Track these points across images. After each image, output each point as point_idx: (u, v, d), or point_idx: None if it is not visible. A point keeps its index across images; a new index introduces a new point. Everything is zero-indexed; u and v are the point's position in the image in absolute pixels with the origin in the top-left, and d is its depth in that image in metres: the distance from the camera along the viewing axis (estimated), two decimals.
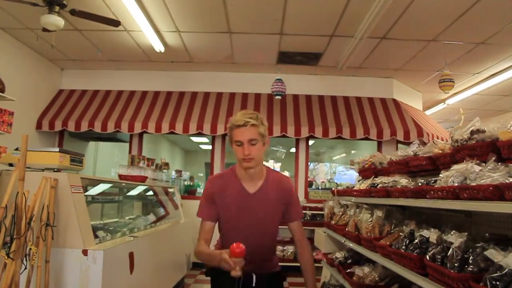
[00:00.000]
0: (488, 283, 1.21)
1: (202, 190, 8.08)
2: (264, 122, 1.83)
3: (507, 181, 1.25)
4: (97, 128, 5.72)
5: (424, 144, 2.35)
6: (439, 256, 1.55)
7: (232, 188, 1.87)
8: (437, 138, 5.69)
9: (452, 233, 1.55)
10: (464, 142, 1.66)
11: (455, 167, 1.60)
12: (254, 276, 1.86)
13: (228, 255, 1.56)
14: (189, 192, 7.28)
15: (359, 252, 2.64)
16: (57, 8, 3.46)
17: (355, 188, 3.05)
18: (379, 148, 6.03)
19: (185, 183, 9.16)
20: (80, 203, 2.46)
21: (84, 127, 5.72)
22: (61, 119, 5.75)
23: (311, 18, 4.34)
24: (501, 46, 4.88)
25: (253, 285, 1.86)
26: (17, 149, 2.58)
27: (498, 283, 1.18)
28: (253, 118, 1.77)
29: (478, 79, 6.20)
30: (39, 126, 5.70)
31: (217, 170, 6.15)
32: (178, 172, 8.85)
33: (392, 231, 2.30)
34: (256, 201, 1.87)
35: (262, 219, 1.88)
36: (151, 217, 4.18)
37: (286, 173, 9.05)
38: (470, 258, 1.38)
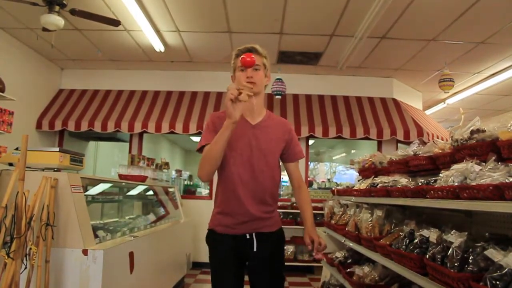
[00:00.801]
0: (488, 282, 1.21)
1: (199, 191, 8.09)
2: (267, 56, 1.90)
3: (507, 180, 1.25)
4: (97, 128, 5.72)
5: (424, 143, 2.34)
6: (439, 256, 1.55)
7: None
8: (437, 138, 5.69)
9: (452, 232, 1.55)
10: (464, 142, 1.66)
11: (455, 166, 1.60)
12: (255, 240, 1.82)
13: (240, 64, 1.78)
14: (188, 192, 7.27)
15: (359, 252, 2.64)
16: (57, 8, 3.46)
17: (355, 188, 3.05)
18: (379, 148, 6.04)
19: (185, 182, 9.15)
20: (80, 202, 2.46)
21: (84, 127, 5.72)
22: (61, 118, 5.75)
23: (311, 18, 4.34)
24: (501, 46, 4.88)
25: (254, 250, 1.82)
26: (17, 148, 2.58)
27: (498, 282, 1.18)
28: (255, 47, 1.85)
29: (478, 79, 6.20)
30: (39, 125, 5.70)
31: None
32: (178, 171, 8.84)
33: (392, 230, 2.30)
34: (258, 132, 1.88)
35: (264, 150, 1.86)
36: (151, 217, 4.18)
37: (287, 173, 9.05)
38: (470, 258, 1.38)
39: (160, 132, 5.79)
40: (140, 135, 6.21)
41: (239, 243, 1.83)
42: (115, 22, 3.80)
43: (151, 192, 4.66)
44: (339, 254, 3.18)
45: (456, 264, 1.41)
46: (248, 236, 1.83)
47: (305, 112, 5.96)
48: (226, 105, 1.61)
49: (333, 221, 3.41)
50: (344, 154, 9.88)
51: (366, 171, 3.17)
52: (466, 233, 1.50)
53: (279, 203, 4.54)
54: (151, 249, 3.36)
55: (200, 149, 1.83)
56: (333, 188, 3.90)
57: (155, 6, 4.15)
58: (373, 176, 2.85)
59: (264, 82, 1.88)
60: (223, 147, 1.69)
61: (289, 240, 5.54)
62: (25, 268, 2.13)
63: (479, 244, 1.41)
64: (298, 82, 6.20)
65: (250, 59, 1.75)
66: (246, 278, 1.89)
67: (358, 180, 3.25)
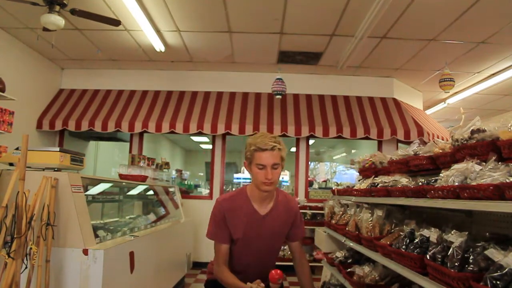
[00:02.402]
0: (488, 282, 1.21)
1: (200, 190, 8.06)
2: (284, 146, 1.86)
3: (507, 180, 1.25)
4: (98, 128, 5.72)
5: (424, 143, 2.34)
6: (439, 256, 1.55)
7: (243, 209, 1.91)
8: (438, 138, 5.68)
9: (452, 232, 1.55)
10: (465, 142, 1.66)
11: (456, 166, 1.60)
12: None
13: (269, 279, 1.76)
14: (183, 192, 7.22)
15: (359, 252, 2.64)
16: (57, 8, 3.46)
17: (355, 188, 3.04)
18: (380, 148, 6.04)
19: (178, 181, 9.03)
20: (80, 202, 2.46)
21: (84, 127, 5.72)
22: (61, 118, 5.75)
23: (311, 18, 4.34)
24: (501, 46, 4.87)
25: None
26: (17, 148, 2.58)
27: (498, 282, 1.18)
28: (277, 143, 1.80)
29: (479, 79, 6.19)
30: (39, 125, 5.70)
31: (217, 169, 6.15)
32: (179, 171, 8.83)
33: (392, 230, 2.30)
34: (266, 223, 1.92)
35: (270, 239, 1.95)
36: (152, 217, 4.19)
37: (287, 173, 9.06)
38: (471, 258, 1.38)
39: (161, 132, 5.79)
40: (141, 134, 6.22)
41: None
42: (116, 22, 3.80)
43: (151, 192, 4.67)
44: (339, 254, 3.18)
45: (456, 264, 1.41)
46: None
47: (305, 112, 5.96)
48: None
49: (333, 221, 3.41)
50: (344, 154, 9.88)
51: (366, 171, 3.17)
52: (467, 233, 1.49)
53: None
54: (151, 249, 3.36)
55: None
56: (333, 188, 3.90)
57: (155, 5, 4.15)
58: (373, 176, 2.85)
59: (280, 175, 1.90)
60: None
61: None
62: (26, 267, 2.13)
63: (479, 244, 1.41)
64: (299, 82, 6.20)
65: (278, 277, 1.75)
66: None
67: (359, 180, 3.25)
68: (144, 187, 4.36)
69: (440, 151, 1.95)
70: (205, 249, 5.57)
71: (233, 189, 9.03)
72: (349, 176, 8.59)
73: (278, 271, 1.74)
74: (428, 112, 7.97)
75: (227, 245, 1.91)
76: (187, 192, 6.62)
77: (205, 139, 9.54)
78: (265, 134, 1.85)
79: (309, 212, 5.66)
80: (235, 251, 1.94)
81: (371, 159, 3.12)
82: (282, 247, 5.40)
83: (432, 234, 1.70)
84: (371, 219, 2.55)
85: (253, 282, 1.86)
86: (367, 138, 5.73)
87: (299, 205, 5.69)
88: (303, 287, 2.07)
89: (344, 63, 5.49)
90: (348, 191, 3.25)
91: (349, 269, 2.76)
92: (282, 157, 1.83)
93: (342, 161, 10.07)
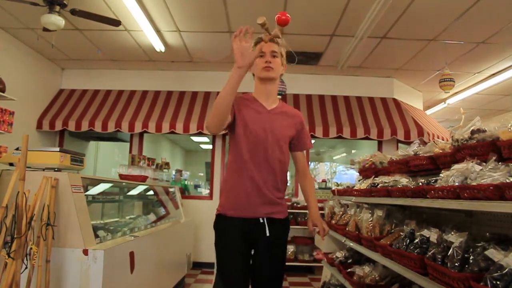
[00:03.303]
0: (488, 282, 1.21)
1: (200, 190, 7.97)
2: (284, 43, 1.99)
3: (507, 180, 1.25)
4: (98, 128, 5.72)
5: (424, 143, 2.34)
6: (439, 256, 1.55)
7: (250, 103, 1.97)
8: (438, 138, 5.69)
9: (452, 232, 1.55)
10: (465, 142, 1.66)
11: (456, 166, 1.60)
12: (267, 225, 1.86)
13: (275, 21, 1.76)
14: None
15: (359, 252, 2.64)
16: (57, 8, 3.46)
17: (355, 188, 3.05)
18: (380, 148, 6.03)
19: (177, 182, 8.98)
20: (80, 202, 2.46)
21: (84, 127, 5.72)
22: (61, 118, 5.75)
23: (311, 18, 4.34)
24: (501, 46, 4.87)
25: (267, 234, 1.85)
26: (17, 148, 2.58)
27: (498, 282, 1.18)
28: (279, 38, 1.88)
29: (479, 79, 6.19)
30: (39, 125, 5.70)
31: (217, 169, 6.15)
32: (179, 171, 8.84)
33: (392, 230, 2.31)
34: (273, 117, 1.94)
35: (277, 134, 1.92)
36: (152, 217, 4.18)
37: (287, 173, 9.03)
38: (471, 258, 1.38)
39: (161, 132, 5.79)
40: (141, 135, 6.22)
41: (250, 226, 1.85)
42: (116, 22, 3.81)
43: (151, 192, 4.66)
44: (340, 254, 3.18)
45: (456, 264, 1.41)
46: (261, 220, 1.86)
47: (305, 112, 5.96)
48: (234, 50, 1.69)
49: (333, 221, 3.41)
50: (344, 154, 9.88)
51: (366, 171, 3.17)
52: (467, 233, 1.50)
53: None
54: (151, 249, 3.36)
55: None
56: (333, 188, 3.90)
57: (155, 6, 4.16)
58: (373, 176, 2.86)
59: (281, 71, 1.96)
60: (231, 96, 1.74)
61: (290, 240, 5.54)
62: (26, 268, 2.13)
63: (479, 244, 1.41)
64: (299, 82, 6.20)
65: (285, 17, 1.75)
66: None
67: (359, 180, 3.25)
68: (144, 187, 4.36)
69: (440, 151, 1.95)
70: (205, 249, 5.56)
71: None
72: (349, 176, 8.59)
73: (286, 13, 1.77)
74: (428, 112, 7.97)
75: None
76: (182, 193, 6.61)
77: (205, 139, 9.53)
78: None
79: None
80: (241, 147, 1.87)
81: (371, 159, 3.12)
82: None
83: (432, 234, 1.70)
84: (371, 219, 2.55)
85: (264, 190, 1.84)
86: (367, 138, 5.73)
87: (299, 205, 5.70)
88: (307, 199, 2.10)
89: (344, 63, 5.49)
90: (348, 191, 3.25)
91: (349, 269, 2.76)
92: (281, 53, 1.95)
93: (342, 161, 10.06)
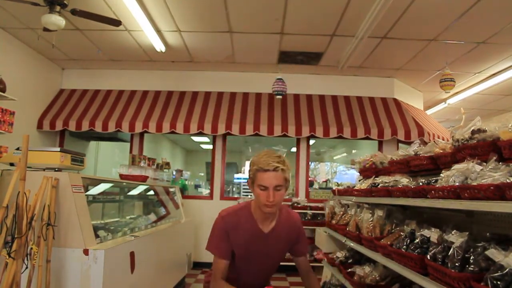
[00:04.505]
0: (489, 282, 1.20)
1: (200, 190, 7.95)
2: (289, 166, 1.79)
3: (508, 180, 1.25)
4: (98, 128, 5.73)
5: (425, 143, 2.34)
6: (440, 256, 1.55)
7: (247, 227, 1.88)
8: (438, 138, 5.69)
9: (453, 232, 1.55)
10: (465, 142, 1.66)
11: (456, 166, 1.60)
12: None
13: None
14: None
15: (360, 252, 2.64)
16: (58, 8, 3.46)
17: (356, 188, 3.04)
18: (380, 148, 6.03)
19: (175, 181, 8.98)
20: (81, 202, 2.46)
21: (85, 127, 5.73)
22: (62, 118, 5.76)
23: (312, 18, 4.34)
24: (501, 46, 4.87)
25: None
26: (18, 148, 2.58)
27: (499, 282, 1.18)
28: (281, 163, 1.72)
29: (479, 79, 6.19)
30: (40, 125, 5.71)
31: (218, 169, 6.15)
32: (179, 171, 8.84)
33: (393, 230, 2.30)
34: (269, 240, 1.91)
35: (272, 256, 1.95)
36: (152, 217, 4.19)
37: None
38: (471, 258, 1.38)
39: (161, 132, 5.79)
40: (141, 135, 6.22)
41: None
42: (116, 22, 3.81)
43: (152, 192, 4.67)
44: (340, 254, 3.18)
45: (457, 264, 1.41)
46: None
47: (306, 112, 5.96)
48: None
49: (334, 221, 3.41)
50: (345, 154, 9.88)
51: (367, 171, 3.17)
52: (467, 233, 1.49)
53: None
54: (152, 249, 3.36)
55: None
56: (334, 188, 3.90)
57: (156, 6, 4.16)
58: (374, 176, 2.85)
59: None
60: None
61: None
62: (26, 267, 2.13)
63: (480, 244, 1.41)
64: (299, 82, 6.20)
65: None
66: None
67: (359, 180, 3.25)
68: (145, 187, 4.36)
69: (441, 151, 1.95)
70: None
71: (233, 192, 8.96)
72: (349, 176, 8.59)
73: None
74: (429, 112, 7.97)
75: (227, 261, 1.86)
76: (181, 192, 6.61)
77: (205, 139, 9.54)
78: (269, 154, 1.76)
79: (309, 212, 5.66)
80: (235, 265, 1.92)
81: (371, 159, 3.12)
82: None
83: (432, 234, 1.70)
84: (371, 219, 2.55)
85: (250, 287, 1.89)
86: (367, 138, 5.73)
87: (299, 205, 5.70)
88: None
89: (344, 63, 5.49)
90: (348, 191, 3.24)
91: (349, 269, 2.76)
92: (286, 179, 1.76)
93: (342, 161, 10.07)
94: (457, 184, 1.52)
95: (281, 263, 2.13)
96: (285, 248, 2.00)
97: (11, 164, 2.69)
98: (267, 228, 1.90)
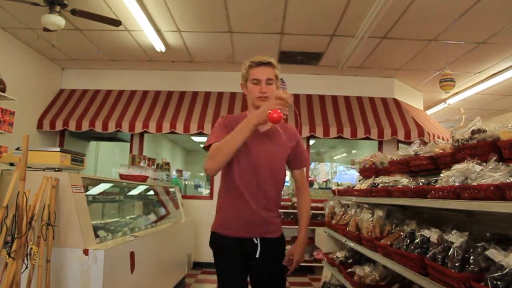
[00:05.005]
0: (489, 282, 1.20)
1: (200, 190, 7.90)
2: (278, 65, 1.91)
3: (508, 180, 1.25)
4: (98, 128, 5.73)
5: (425, 143, 2.34)
6: (440, 256, 1.55)
7: None
8: (438, 138, 5.68)
9: (453, 232, 1.55)
10: (465, 142, 1.66)
11: (456, 166, 1.60)
12: (259, 246, 1.85)
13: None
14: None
15: (360, 252, 2.64)
16: (58, 8, 3.46)
17: (355, 188, 3.04)
18: (380, 148, 6.03)
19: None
20: (81, 202, 2.46)
21: (85, 127, 5.73)
22: (62, 118, 5.75)
23: (312, 18, 4.34)
24: (502, 46, 4.87)
25: (257, 256, 1.85)
26: (18, 148, 2.58)
27: (499, 282, 1.18)
28: (271, 59, 1.85)
29: (479, 79, 6.19)
30: (40, 125, 5.71)
31: None
32: (179, 171, 8.85)
33: (393, 230, 2.30)
34: (267, 139, 1.90)
35: (272, 157, 1.89)
36: (152, 217, 4.18)
37: (287, 173, 9.03)
38: (471, 258, 1.38)
39: (161, 132, 5.79)
40: (141, 135, 6.22)
41: (245, 246, 1.86)
42: (116, 22, 3.81)
43: (152, 192, 4.67)
44: (340, 254, 3.18)
45: (457, 264, 1.41)
46: (256, 241, 1.86)
47: (306, 112, 5.96)
48: (264, 106, 1.67)
49: (334, 221, 3.41)
50: (345, 154, 9.88)
51: (367, 171, 3.17)
52: (467, 233, 1.49)
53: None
54: (152, 249, 3.36)
55: (208, 146, 1.81)
56: (333, 188, 3.90)
57: (156, 6, 4.16)
58: (374, 176, 2.85)
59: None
60: (240, 145, 1.71)
61: (290, 240, 5.54)
62: (26, 268, 2.13)
63: (480, 244, 1.41)
64: (299, 82, 6.20)
65: (277, 115, 1.64)
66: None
67: (359, 180, 3.25)
68: (145, 187, 4.36)
69: (441, 151, 1.95)
70: (206, 249, 5.52)
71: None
72: (349, 176, 8.59)
73: (277, 110, 1.65)
74: (429, 112, 7.97)
75: None
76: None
77: (205, 139, 9.52)
78: (260, 55, 1.89)
79: (309, 213, 5.64)
80: (234, 173, 1.85)
81: (371, 159, 3.12)
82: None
83: (432, 234, 1.70)
84: (371, 219, 2.55)
85: (257, 210, 1.82)
86: (367, 138, 5.73)
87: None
88: (299, 219, 2.05)
89: (344, 63, 5.49)
90: (348, 191, 3.24)
91: (349, 269, 2.76)
92: (276, 75, 1.89)
93: (342, 161, 10.07)
94: (457, 184, 1.52)
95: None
96: (284, 151, 1.94)
97: (11, 164, 2.69)
98: (263, 127, 1.91)
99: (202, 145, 11.36)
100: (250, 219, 1.85)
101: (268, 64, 1.85)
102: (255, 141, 1.85)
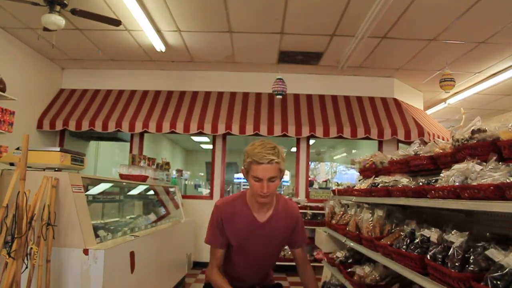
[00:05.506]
0: (489, 282, 1.20)
1: (200, 190, 7.91)
2: (283, 156, 1.77)
3: (508, 180, 1.25)
4: (98, 128, 5.73)
5: (425, 143, 2.34)
6: (440, 256, 1.55)
7: (242, 216, 1.86)
8: (438, 138, 5.68)
9: (453, 232, 1.55)
10: (465, 142, 1.65)
11: (456, 166, 1.60)
12: None
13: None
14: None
15: (359, 252, 2.64)
16: (58, 8, 3.46)
17: (355, 188, 3.04)
18: (380, 148, 6.03)
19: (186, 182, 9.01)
20: (81, 202, 2.46)
21: (85, 127, 5.73)
22: (62, 118, 5.76)
23: (312, 18, 4.34)
24: (502, 46, 4.87)
25: None
26: (18, 148, 2.58)
27: (499, 282, 1.18)
28: (275, 155, 1.70)
29: (479, 79, 6.19)
30: (40, 125, 5.71)
31: (218, 169, 6.16)
32: (179, 171, 8.85)
33: (393, 230, 2.30)
34: (265, 230, 1.88)
35: (268, 246, 1.92)
36: (152, 217, 4.19)
37: (287, 173, 9.04)
38: (471, 258, 1.38)
39: (161, 132, 5.79)
40: (141, 134, 6.22)
41: None
42: (116, 22, 3.81)
43: (151, 192, 4.67)
44: (340, 254, 3.18)
45: (457, 264, 1.41)
46: None
47: (306, 112, 5.96)
48: None
49: (334, 221, 3.41)
50: (345, 154, 9.88)
51: (367, 171, 3.17)
52: (467, 233, 1.49)
53: None
54: (152, 249, 3.36)
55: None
56: (333, 188, 3.90)
57: (155, 5, 4.16)
58: (374, 176, 2.85)
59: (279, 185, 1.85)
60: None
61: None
62: (26, 267, 2.13)
63: (480, 244, 1.40)
64: (299, 82, 6.20)
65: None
66: None
67: (359, 180, 3.25)
68: (145, 187, 4.36)
69: (441, 151, 1.95)
70: (206, 249, 5.50)
71: (233, 193, 9.00)
72: (349, 176, 8.59)
73: None
74: (429, 112, 7.97)
75: (222, 250, 1.88)
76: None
77: (205, 139, 9.54)
78: (263, 144, 1.74)
79: (309, 212, 5.66)
80: (232, 256, 1.92)
81: (371, 159, 3.12)
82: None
83: (432, 234, 1.70)
84: (371, 219, 2.55)
85: (248, 280, 1.87)
86: (367, 138, 5.73)
87: (299, 205, 5.70)
88: None
89: (344, 63, 5.49)
90: (348, 191, 3.24)
91: (349, 269, 2.76)
92: (280, 169, 1.75)
93: (342, 161, 10.07)
94: (457, 184, 1.51)
95: (281, 263, 2.13)
96: (283, 239, 1.95)
97: (11, 164, 2.69)
98: (263, 217, 1.88)
99: (202, 145, 11.37)
100: (245, 284, 1.95)
101: (273, 163, 1.70)
102: (255, 233, 1.87)
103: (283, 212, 1.93)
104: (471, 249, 1.42)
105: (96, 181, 3.29)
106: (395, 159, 2.50)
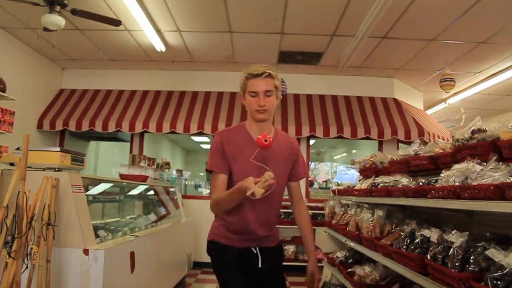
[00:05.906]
0: (489, 282, 1.21)
1: (200, 190, 7.90)
2: (278, 75, 1.82)
3: (508, 180, 1.25)
4: (98, 128, 5.73)
5: (425, 143, 2.35)
6: (440, 256, 1.55)
7: (242, 140, 1.83)
8: (438, 138, 5.68)
9: (453, 232, 1.55)
10: (465, 142, 1.66)
11: (456, 166, 1.60)
12: (259, 255, 1.85)
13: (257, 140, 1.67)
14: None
15: (360, 252, 2.64)
16: (58, 8, 3.46)
17: (356, 188, 3.04)
18: (380, 148, 6.03)
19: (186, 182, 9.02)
20: (81, 202, 2.47)
21: (85, 127, 5.73)
22: (62, 118, 5.76)
23: (312, 18, 4.34)
24: (502, 46, 4.87)
25: (259, 265, 1.84)
26: (18, 148, 2.58)
27: (499, 282, 1.18)
28: (270, 70, 1.76)
29: (479, 79, 6.19)
30: (40, 125, 5.71)
31: None
32: (179, 171, 8.85)
33: (393, 230, 2.30)
34: (267, 155, 1.82)
35: (276, 178, 1.81)
36: (152, 217, 4.19)
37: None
38: (471, 258, 1.38)
39: (161, 132, 5.79)
40: (141, 135, 6.22)
41: (244, 256, 1.85)
42: (116, 22, 3.81)
43: (152, 192, 4.67)
44: (340, 254, 3.18)
45: (457, 264, 1.41)
46: (255, 251, 1.86)
47: (306, 112, 5.96)
48: (252, 184, 1.54)
49: (334, 221, 3.41)
50: (345, 154, 9.88)
51: (367, 171, 3.17)
52: (467, 233, 1.49)
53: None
54: (152, 249, 3.36)
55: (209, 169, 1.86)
56: (334, 188, 3.90)
57: (156, 5, 4.16)
58: (374, 176, 2.85)
59: (276, 105, 1.83)
60: (236, 204, 1.73)
61: (290, 240, 5.53)
62: (26, 267, 2.13)
63: (480, 244, 1.41)
64: (299, 82, 6.20)
65: (267, 143, 1.65)
66: None
67: (359, 180, 3.25)
68: (145, 187, 4.36)
69: (441, 151, 1.95)
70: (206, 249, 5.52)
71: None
72: (349, 176, 8.59)
73: (266, 135, 1.67)
74: (429, 112, 7.97)
75: (225, 175, 1.81)
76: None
77: (205, 139, 9.54)
78: (257, 64, 1.80)
79: (309, 212, 5.64)
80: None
81: (371, 159, 3.12)
82: (283, 247, 5.42)
83: (432, 234, 1.70)
84: (371, 219, 2.55)
85: (254, 227, 1.79)
86: (367, 138, 5.73)
87: None
88: (302, 230, 2.00)
89: (344, 63, 5.49)
90: (348, 191, 3.25)
91: (349, 269, 2.76)
92: (276, 86, 1.78)
93: (342, 161, 10.07)
94: (457, 184, 1.52)
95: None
96: (285, 166, 1.89)
97: (11, 164, 2.69)
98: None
99: (202, 145, 11.37)
100: (250, 238, 1.84)
101: (267, 75, 1.75)
102: (256, 157, 1.80)
103: (282, 139, 1.92)
104: (471, 249, 1.42)
105: (96, 181, 3.29)
106: (395, 159, 2.50)
